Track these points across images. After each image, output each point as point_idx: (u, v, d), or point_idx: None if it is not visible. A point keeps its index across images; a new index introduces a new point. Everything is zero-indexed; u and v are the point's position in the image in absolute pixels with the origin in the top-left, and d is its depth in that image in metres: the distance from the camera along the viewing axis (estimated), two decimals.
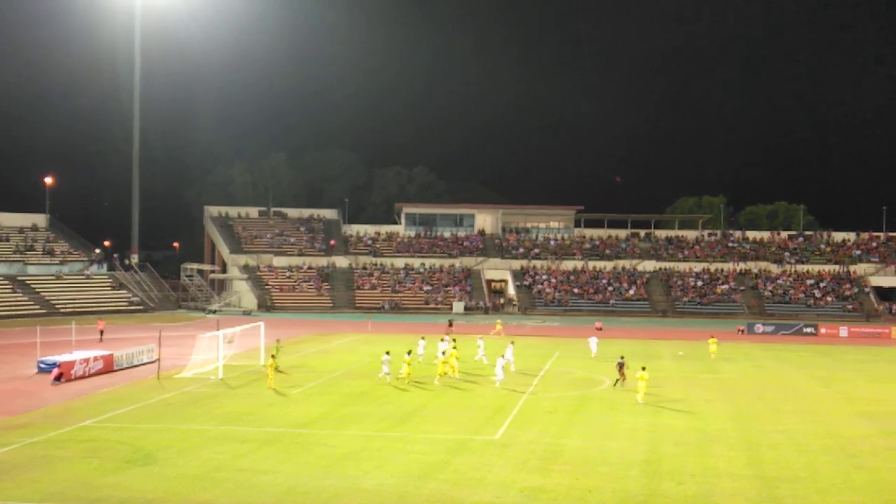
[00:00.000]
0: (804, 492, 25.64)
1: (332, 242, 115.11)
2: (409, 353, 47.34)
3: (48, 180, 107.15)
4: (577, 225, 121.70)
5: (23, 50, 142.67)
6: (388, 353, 46.46)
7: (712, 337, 60.81)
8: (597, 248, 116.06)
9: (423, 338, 55.72)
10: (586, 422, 35.53)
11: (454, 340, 53.08)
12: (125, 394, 40.97)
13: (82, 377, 45.37)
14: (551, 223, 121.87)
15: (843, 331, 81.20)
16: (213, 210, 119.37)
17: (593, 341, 58.20)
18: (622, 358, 46.49)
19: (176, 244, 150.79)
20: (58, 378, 43.85)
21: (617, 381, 45.07)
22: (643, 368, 41.83)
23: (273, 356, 43.93)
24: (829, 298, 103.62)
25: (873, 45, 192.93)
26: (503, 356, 47.92)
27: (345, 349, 61.63)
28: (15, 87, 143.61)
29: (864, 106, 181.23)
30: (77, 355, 47.17)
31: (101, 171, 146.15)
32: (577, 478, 26.62)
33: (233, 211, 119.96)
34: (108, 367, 47.94)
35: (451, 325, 73.92)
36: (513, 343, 53.78)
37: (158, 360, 49.25)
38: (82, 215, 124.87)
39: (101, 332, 64.22)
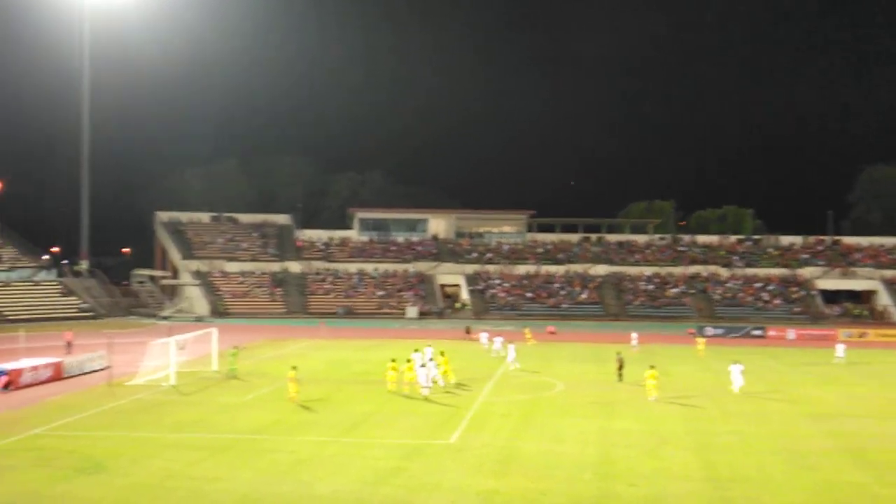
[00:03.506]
0: (755, 492, 26.02)
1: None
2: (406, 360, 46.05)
3: None
4: (530, 229, 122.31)
5: None
6: (423, 366, 44.09)
7: (700, 337, 68.02)
8: (549, 252, 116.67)
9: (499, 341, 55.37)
10: (540, 425, 35.73)
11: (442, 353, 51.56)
12: (75, 401, 40.44)
13: (31, 385, 44.70)
14: (504, 228, 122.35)
15: (791, 333, 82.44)
16: (164, 215, 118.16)
17: (498, 341, 58.37)
18: (619, 353, 49.90)
19: (127, 250, 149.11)
20: (6, 386, 43.15)
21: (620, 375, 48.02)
22: (651, 367, 43.65)
23: (294, 367, 41.98)
24: (776, 301, 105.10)
25: (816, 50, 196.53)
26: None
27: (298, 355, 61.34)
28: None
29: (810, 111, 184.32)
30: (26, 363, 46.49)
31: (49, 176, 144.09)
32: (532, 481, 26.78)
33: (184, 216, 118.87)
34: (58, 374, 47.30)
35: (468, 331, 73.61)
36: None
37: (109, 367, 48.67)
38: (30, 221, 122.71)
39: (69, 344, 59.80)
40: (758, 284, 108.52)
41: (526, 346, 65.55)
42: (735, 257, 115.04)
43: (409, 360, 44.76)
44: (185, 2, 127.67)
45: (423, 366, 43.67)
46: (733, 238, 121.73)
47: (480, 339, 68.17)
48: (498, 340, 59.29)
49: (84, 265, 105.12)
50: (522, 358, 55.61)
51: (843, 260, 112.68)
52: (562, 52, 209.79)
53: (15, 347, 54.08)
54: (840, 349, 61.33)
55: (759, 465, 29.41)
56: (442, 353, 48.29)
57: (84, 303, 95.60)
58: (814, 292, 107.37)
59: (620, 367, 48.35)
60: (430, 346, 51.43)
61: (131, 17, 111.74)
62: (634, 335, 67.24)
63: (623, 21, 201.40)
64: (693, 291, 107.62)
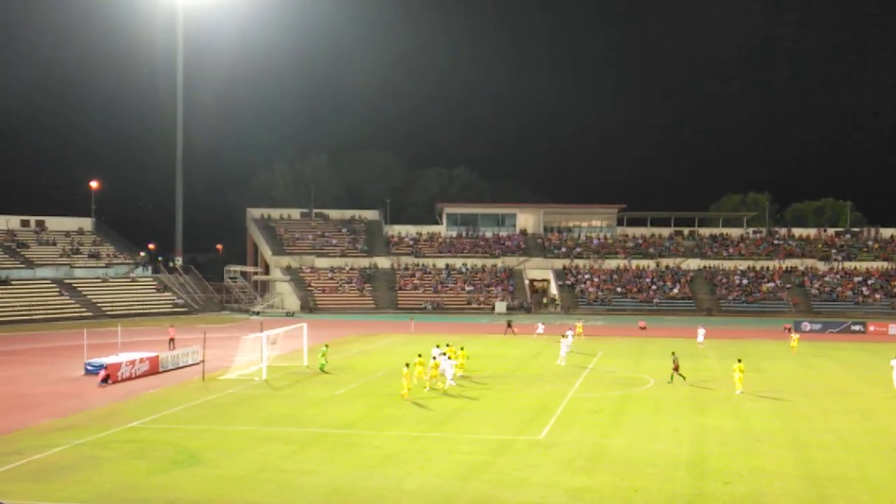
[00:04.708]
0: (855, 492, 25.17)
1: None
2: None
3: (94, 184, 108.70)
4: (620, 223, 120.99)
5: (67, 55, 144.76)
6: (450, 358, 44.81)
7: (794, 333, 65.72)
8: (640, 246, 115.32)
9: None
10: (631, 422, 35.20)
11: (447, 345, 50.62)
12: (171, 395, 41.27)
13: (128, 379, 45.77)
14: (593, 222, 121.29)
15: (893, 328, 79.86)
16: (255, 212, 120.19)
17: (570, 334, 58.35)
18: (674, 353, 47.49)
19: (219, 246, 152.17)
20: (104, 380, 44.27)
21: (672, 376, 45.64)
22: (739, 361, 43.66)
23: (407, 365, 41.56)
24: (877, 296, 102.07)
25: None
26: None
27: (387, 350, 61.64)
28: (60, 92, 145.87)
29: None
30: (123, 357, 47.62)
31: (145, 174, 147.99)
32: (623, 478, 26.35)
33: (275, 213, 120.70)
34: (154, 368, 48.34)
35: (510, 325, 74.09)
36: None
37: (203, 361, 49.58)
38: (127, 219, 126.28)
39: (172, 341, 59.54)
40: (857, 278, 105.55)
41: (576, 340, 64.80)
42: (833, 251, 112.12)
43: (434, 357, 45.07)
44: (276, 1, 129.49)
45: (449, 358, 44.25)
46: (831, 231, 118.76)
47: (537, 330, 71.44)
48: (570, 333, 59.04)
49: (178, 261, 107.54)
50: (600, 354, 55.03)
51: None
52: (650, 41, 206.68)
53: (115, 342, 55.46)
54: None
55: (858, 463, 28.48)
56: (462, 348, 48.99)
57: (178, 298, 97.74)
58: None
59: (676, 368, 45.70)
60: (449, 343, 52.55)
61: (224, 18, 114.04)
62: (701, 330, 65.54)
63: (716, 9, 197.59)
64: (789, 286, 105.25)
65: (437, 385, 43.25)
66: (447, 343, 51.90)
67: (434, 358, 44.87)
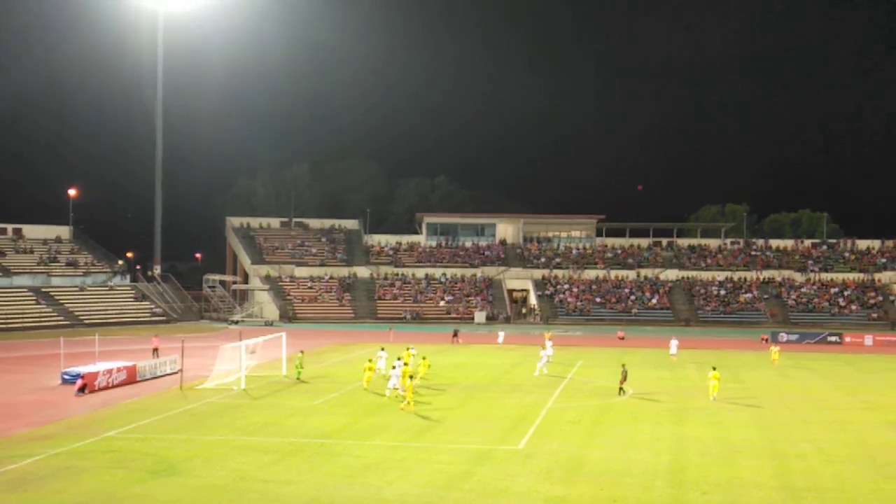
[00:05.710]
0: (832, 502, 25.37)
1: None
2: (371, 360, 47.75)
3: (72, 192, 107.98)
4: (599, 234, 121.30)
5: (46, 62, 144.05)
6: (393, 367, 45.01)
7: (774, 346, 64.74)
8: (619, 256, 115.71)
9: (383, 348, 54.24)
10: (610, 432, 35.31)
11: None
12: (149, 404, 41.05)
13: (106, 388, 45.50)
14: (573, 232, 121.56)
15: (868, 339, 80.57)
16: (234, 221, 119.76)
17: (549, 345, 58.72)
18: (624, 366, 47.35)
19: (198, 255, 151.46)
20: (81, 389, 43.98)
21: (620, 389, 45.33)
22: (714, 368, 44.64)
23: (411, 376, 41.76)
24: (853, 307, 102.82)
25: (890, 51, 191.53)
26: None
27: (367, 359, 61.39)
28: (39, 100, 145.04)
29: (888, 113, 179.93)
30: (100, 366, 47.32)
31: (124, 182, 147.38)
32: (602, 488, 26.44)
33: (254, 222, 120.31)
34: (132, 378, 48.07)
35: (456, 334, 74.00)
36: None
37: (181, 370, 49.34)
38: (106, 227, 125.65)
39: (156, 351, 58.09)
40: (834, 289, 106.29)
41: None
42: (810, 262, 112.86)
43: (407, 364, 45.66)
44: (258, 11, 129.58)
45: (393, 367, 44.69)
46: (808, 242, 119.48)
47: (498, 339, 72.23)
48: (549, 344, 59.20)
49: (157, 270, 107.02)
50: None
51: None
52: (629, 55, 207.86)
53: (92, 351, 55.11)
54: None
55: (835, 473, 28.70)
56: (424, 358, 50.27)
57: (157, 307, 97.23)
58: (892, 297, 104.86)
59: (624, 380, 45.56)
60: (413, 349, 53.96)
61: (204, 26, 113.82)
62: (674, 341, 64.06)
63: (692, 22, 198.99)
64: (767, 297, 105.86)
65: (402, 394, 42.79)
66: (408, 346, 53.96)
67: (406, 364, 45.19)
